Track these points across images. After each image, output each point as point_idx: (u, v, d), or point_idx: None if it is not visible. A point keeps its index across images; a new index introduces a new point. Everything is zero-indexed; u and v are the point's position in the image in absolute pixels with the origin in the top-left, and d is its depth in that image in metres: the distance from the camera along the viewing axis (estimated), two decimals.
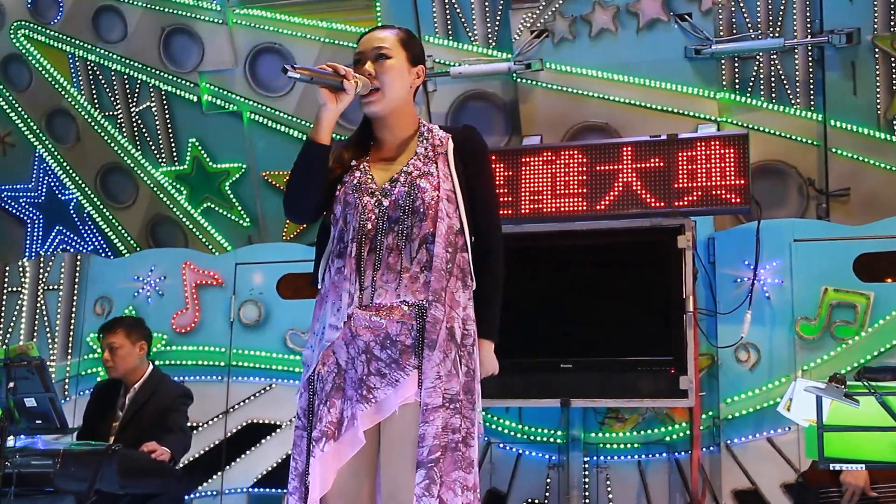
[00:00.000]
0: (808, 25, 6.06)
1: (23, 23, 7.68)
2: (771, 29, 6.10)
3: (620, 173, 5.80)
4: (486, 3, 6.57)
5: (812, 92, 6.14)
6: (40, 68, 7.70)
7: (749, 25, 6.13)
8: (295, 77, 2.76)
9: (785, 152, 6.22)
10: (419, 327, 2.72)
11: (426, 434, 2.62)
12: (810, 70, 6.12)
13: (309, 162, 2.84)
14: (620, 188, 5.78)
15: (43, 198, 8.07)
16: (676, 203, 5.66)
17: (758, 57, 6.19)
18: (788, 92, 6.16)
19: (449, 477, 2.64)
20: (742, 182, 5.59)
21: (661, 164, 5.73)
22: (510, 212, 5.89)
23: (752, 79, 6.21)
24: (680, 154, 5.72)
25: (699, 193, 5.65)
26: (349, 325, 2.73)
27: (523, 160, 5.96)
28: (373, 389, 2.68)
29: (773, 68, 6.17)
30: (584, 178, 5.85)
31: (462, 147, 2.94)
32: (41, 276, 6.99)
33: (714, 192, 5.62)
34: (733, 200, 5.60)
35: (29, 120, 7.90)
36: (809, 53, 6.11)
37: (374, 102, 2.86)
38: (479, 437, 2.80)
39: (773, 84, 6.18)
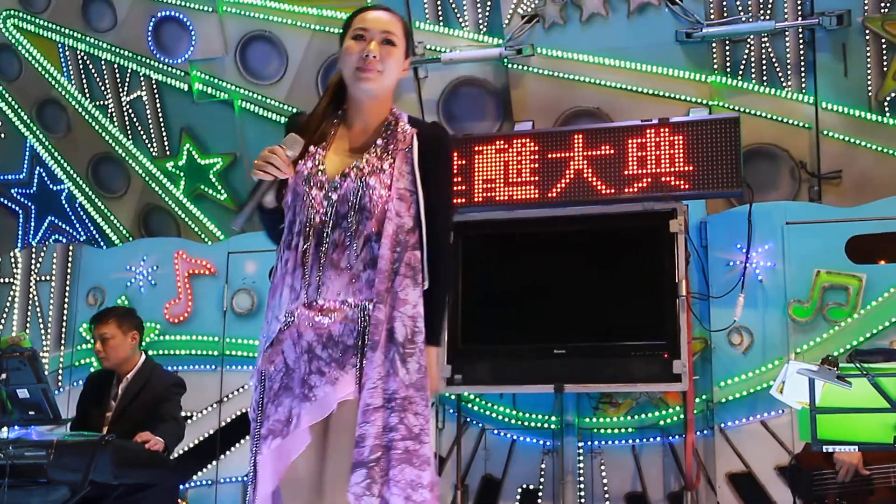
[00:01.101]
0: (799, 8, 6.05)
1: (12, 12, 7.64)
2: (762, 11, 6.09)
3: (613, 158, 5.79)
4: None
5: (803, 74, 6.13)
6: (30, 58, 7.66)
7: (740, 8, 6.11)
8: (241, 220, 2.85)
9: (776, 135, 6.21)
10: (361, 328, 2.71)
11: (366, 434, 2.62)
12: (801, 52, 6.11)
13: (267, 223, 2.93)
14: (613, 173, 5.78)
15: (34, 188, 8.05)
16: (668, 187, 5.66)
17: (749, 40, 6.17)
18: (780, 75, 6.16)
19: (388, 475, 2.63)
20: (734, 165, 5.58)
21: (653, 148, 5.73)
22: (504, 197, 5.89)
23: (744, 62, 6.20)
24: (672, 138, 5.71)
25: (691, 177, 5.65)
26: (295, 325, 2.73)
27: (515, 146, 5.96)
28: (313, 388, 2.67)
29: (764, 51, 6.16)
30: (577, 163, 5.84)
31: (427, 147, 2.87)
32: (33, 267, 6.98)
33: (706, 176, 5.62)
34: (725, 184, 5.59)
35: (19, 110, 7.86)
36: (800, 36, 6.10)
37: (369, 80, 2.81)
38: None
39: (764, 67, 6.17)
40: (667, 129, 5.74)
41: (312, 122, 2.95)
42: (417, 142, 2.86)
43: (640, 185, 5.71)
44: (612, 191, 5.76)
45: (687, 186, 5.64)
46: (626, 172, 5.75)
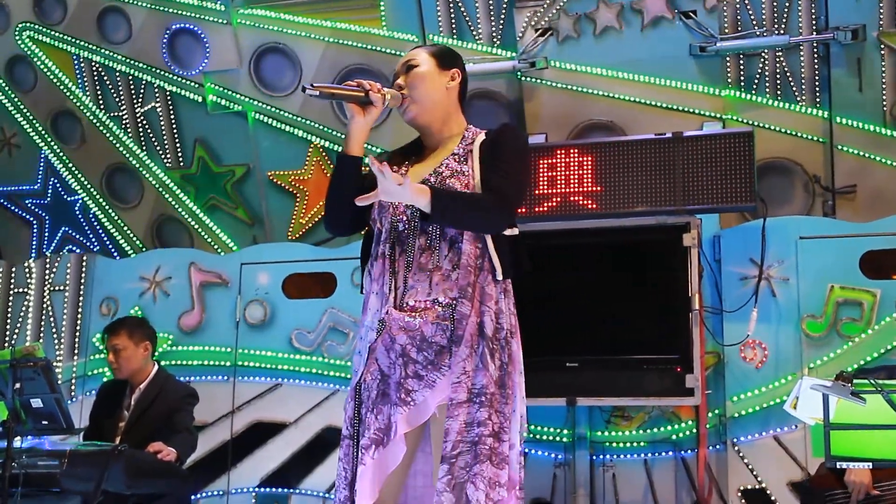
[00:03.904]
0: (814, 22, 6.05)
1: (27, 24, 7.68)
2: (776, 26, 6.09)
3: (626, 171, 5.78)
4: (491, 2, 6.56)
5: (818, 89, 6.13)
6: (45, 69, 7.70)
7: (754, 22, 6.11)
8: (314, 95, 2.76)
9: (791, 149, 6.20)
10: (453, 326, 2.73)
11: (450, 429, 2.65)
12: (816, 67, 6.11)
13: (342, 175, 2.89)
14: (625, 186, 5.77)
15: (49, 199, 8.08)
16: (682, 201, 5.65)
17: (763, 54, 6.17)
18: (794, 89, 6.15)
19: (473, 471, 2.64)
20: (747, 180, 5.57)
21: (666, 162, 5.72)
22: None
23: (758, 76, 6.19)
24: (685, 152, 5.70)
25: (705, 191, 5.63)
26: (387, 330, 2.74)
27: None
28: (410, 392, 2.69)
29: (778, 65, 6.16)
30: (590, 176, 5.84)
31: (492, 139, 2.96)
32: (47, 277, 7.00)
33: (720, 190, 5.60)
34: (739, 198, 5.58)
35: (34, 121, 7.90)
36: (815, 50, 6.10)
37: (407, 110, 2.94)
38: (521, 432, 2.81)
39: (778, 81, 6.17)
40: (680, 143, 5.72)
41: (400, 149, 3.07)
42: (483, 138, 2.96)
43: (653, 198, 5.70)
44: (626, 204, 5.74)
45: (701, 200, 5.62)
46: (639, 186, 5.73)
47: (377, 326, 2.77)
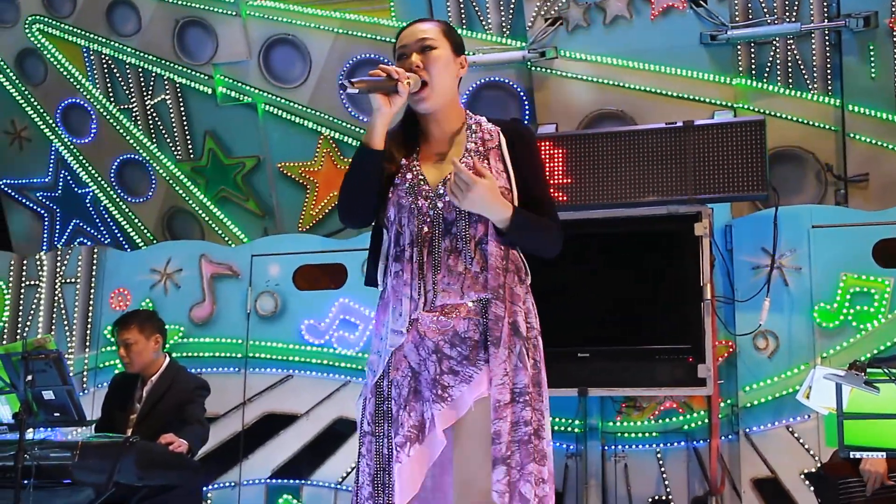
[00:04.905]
0: (825, 9, 6.01)
1: (37, 17, 7.69)
2: (787, 14, 6.05)
3: (636, 161, 5.76)
4: None
5: (829, 77, 6.09)
6: (55, 62, 7.71)
7: (765, 10, 6.08)
8: (354, 92, 2.68)
9: (802, 138, 6.17)
10: (485, 322, 2.72)
11: (501, 430, 2.64)
12: (827, 55, 6.07)
13: (364, 169, 2.79)
14: (637, 176, 5.74)
15: (60, 192, 8.09)
16: (693, 190, 5.62)
17: (774, 42, 6.14)
18: (805, 77, 6.11)
19: (525, 470, 2.66)
20: (759, 168, 5.54)
21: (678, 151, 5.69)
22: None
23: (769, 64, 6.16)
24: (696, 141, 5.67)
25: (716, 180, 5.60)
26: (416, 328, 2.72)
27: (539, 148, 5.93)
28: (447, 388, 2.68)
29: (789, 53, 6.12)
30: (600, 166, 5.81)
31: (513, 141, 2.89)
32: (58, 270, 7.01)
33: (731, 179, 5.57)
34: (751, 187, 5.55)
35: (44, 114, 7.91)
36: (826, 38, 6.06)
37: (424, 98, 2.80)
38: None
39: (789, 69, 6.14)
40: (691, 132, 5.69)
41: (396, 135, 2.91)
42: (504, 138, 2.88)
43: (664, 187, 5.68)
44: (637, 193, 5.72)
45: (712, 189, 5.59)
46: (650, 175, 5.71)
47: (403, 330, 2.74)
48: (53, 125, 7.90)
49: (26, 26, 7.71)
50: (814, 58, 6.08)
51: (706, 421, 5.58)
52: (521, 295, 2.79)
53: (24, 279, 7.14)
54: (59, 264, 7.02)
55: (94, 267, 6.96)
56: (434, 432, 2.66)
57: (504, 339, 2.69)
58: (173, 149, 7.56)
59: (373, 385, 2.78)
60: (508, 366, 2.68)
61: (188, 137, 7.51)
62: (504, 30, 6.59)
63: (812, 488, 5.21)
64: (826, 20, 6.01)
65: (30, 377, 4.53)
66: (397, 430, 2.69)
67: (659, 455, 5.75)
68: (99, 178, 7.87)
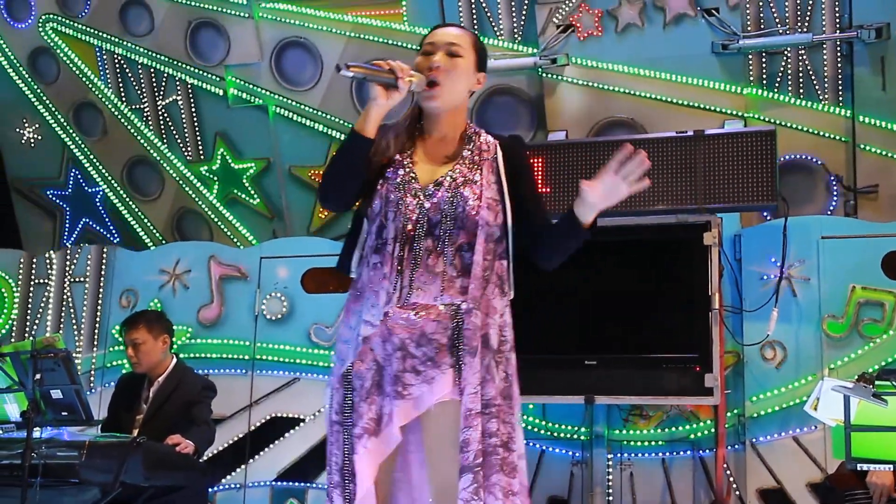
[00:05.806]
0: (837, 20, 6.01)
1: (51, 16, 7.72)
2: (799, 24, 6.05)
3: (646, 169, 5.74)
4: None
5: (840, 87, 6.09)
6: (68, 61, 7.74)
7: (777, 20, 6.08)
8: (348, 75, 2.72)
9: (813, 148, 6.16)
10: (454, 327, 2.72)
11: (470, 439, 2.65)
12: (839, 65, 6.06)
13: (351, 154, 2.83)
14: (646, 184, 5.72)
15: (70, 190, 8.12)
16: (702, 200, 5.62)
17: (786, 52, 6.14)
18: (816, 87, 6.11)
19: (489, 481, 2.67)
20: (769, 178, 5.53)
21: (688, 160, 5.69)
22: None
23: (780, 74, 6.16)
24: (707, 150, 5.67)
25: (726, 190, 5.60)
26: (385, 323, 2.74)
27: (549, 155, 5.93)
28: (408, 386, 2.69)
29: (801, 64, 6.12)
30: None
31: (511, 157, 2.94)
32: (68, 269, 7.03)
33: (741, 189, 5.57)
34: (760, 197, 5.55)
35: (57, 113, 7.94)
36: (838, 48, 6.06)
37: (433, 97, 2.85)
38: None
39: (800, 80, 6.13)
40: (701, 141, 5.69)
41: (397, 128, 2.96)
42: (501, 152, 2.92)
43: (674, 196, 5.67)
44: (647, 202, 5.72)
45: (722, 199, 5.59)
46: (660, 184, 5.70)
47: (376, 322, 2.76)
48: (65, 124, 7.93)
49: (40, 25, 7.74)
50: (825, 68, 6.08)
51: (712, 430, 5.57)
52: (498, 308, 2.80)
53: (33, 277, 7.16)
54: (68, 263, 7.04)
55: (104, 266, 6.98)
56: (391, 428, 2.68)
57: (477, 349, 2.70)
58: (184, 150, 7.58)
59: (340, 375, 2.79)
60: (480, 377, 2.70)
61: (199, 139, 7.53)
62: (516, 36, 6.59)
63: (818, 499, 5.20)
64: (838, 31, 6.00)
65: (38, 376, 4.54)
66: (356, 422, 2.71)
67: (665, 464, 5.74)
68: (109, 178, 7.90)
